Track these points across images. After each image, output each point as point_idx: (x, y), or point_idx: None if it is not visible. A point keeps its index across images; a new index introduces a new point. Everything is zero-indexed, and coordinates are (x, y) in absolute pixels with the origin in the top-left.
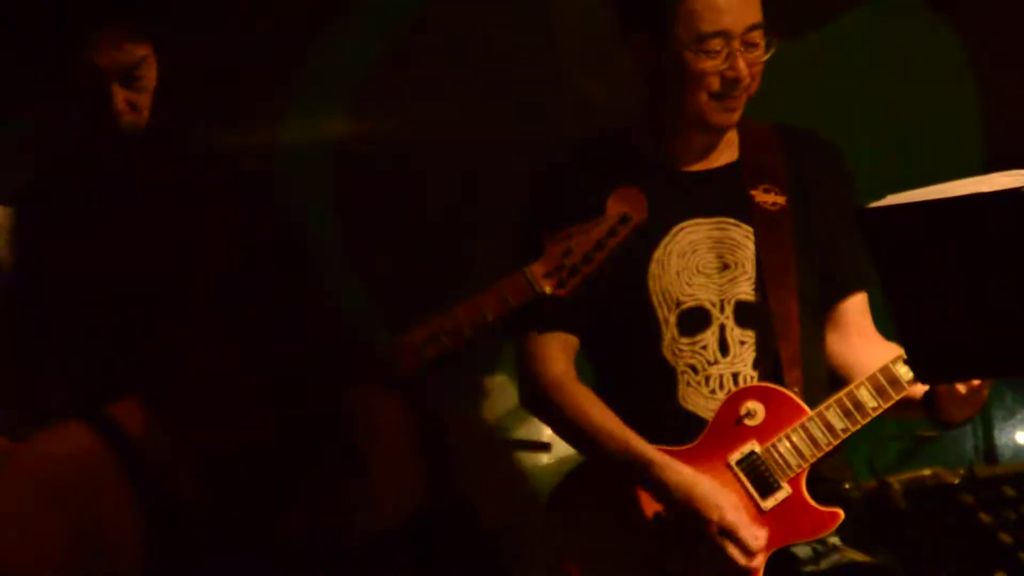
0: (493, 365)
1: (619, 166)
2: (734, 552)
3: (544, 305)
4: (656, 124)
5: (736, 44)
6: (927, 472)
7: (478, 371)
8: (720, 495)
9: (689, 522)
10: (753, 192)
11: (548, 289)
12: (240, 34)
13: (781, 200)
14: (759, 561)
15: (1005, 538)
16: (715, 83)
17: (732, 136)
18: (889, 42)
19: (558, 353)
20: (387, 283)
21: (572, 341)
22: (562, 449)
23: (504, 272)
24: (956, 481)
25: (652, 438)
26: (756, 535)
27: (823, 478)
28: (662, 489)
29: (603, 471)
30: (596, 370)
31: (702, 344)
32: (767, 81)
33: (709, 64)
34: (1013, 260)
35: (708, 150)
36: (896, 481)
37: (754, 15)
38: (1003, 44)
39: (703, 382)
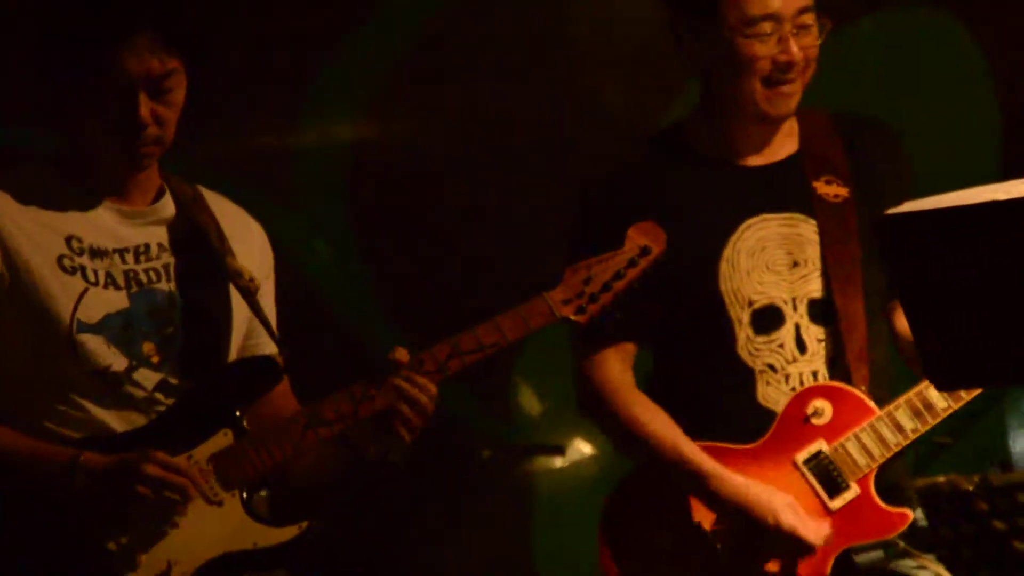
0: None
1: (677, 165)
2: (798, 550)
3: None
4: (711, 118)
5: (787, 27)
6: (942, 479)
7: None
8: (774, 498)
9: (746, 530)
10: (816, 184)
11: (569, 315)
12: (257, 42)
13: (844, 192)
14: (825, 556)
15: (1019, 545)
16: (766, 67)
17: (791, 127)
18: (907, 47)
19: (615, 359)
20: (402, 290)
21: (630, 348)
22: (575, 453)
23: (520, 289)
24: (971, 488)
25: (726, 435)
26: (817, 529)
27: (893, 484)
28: (716, 501)
29: (656, 481)
30: (662, 369)
31: (779, 343)
32: None
33: (760, 48)
34: None
35: (767, 142)
36: (912, 488)
37: None
38: (1022, 52)
39: (783, 380)
